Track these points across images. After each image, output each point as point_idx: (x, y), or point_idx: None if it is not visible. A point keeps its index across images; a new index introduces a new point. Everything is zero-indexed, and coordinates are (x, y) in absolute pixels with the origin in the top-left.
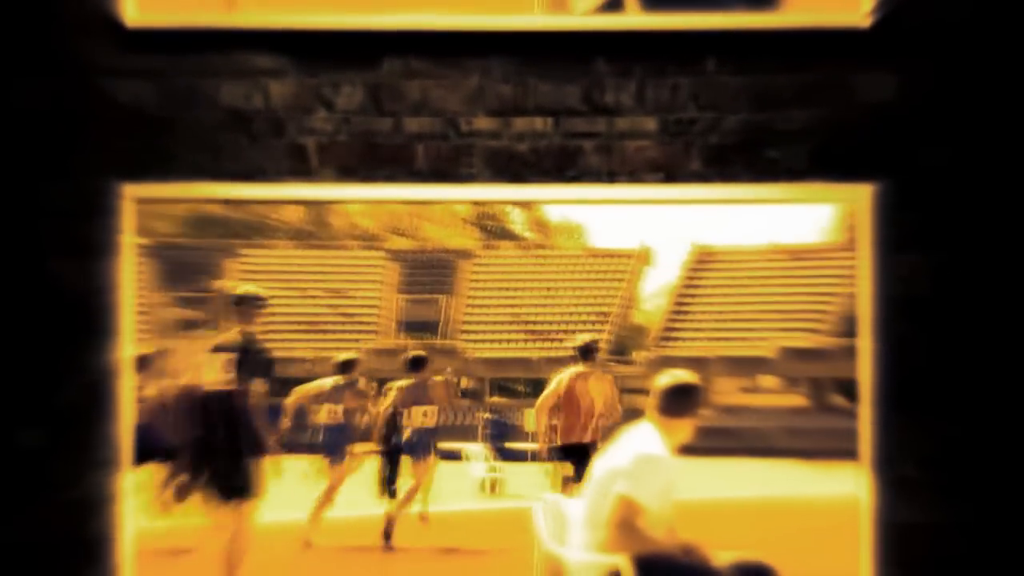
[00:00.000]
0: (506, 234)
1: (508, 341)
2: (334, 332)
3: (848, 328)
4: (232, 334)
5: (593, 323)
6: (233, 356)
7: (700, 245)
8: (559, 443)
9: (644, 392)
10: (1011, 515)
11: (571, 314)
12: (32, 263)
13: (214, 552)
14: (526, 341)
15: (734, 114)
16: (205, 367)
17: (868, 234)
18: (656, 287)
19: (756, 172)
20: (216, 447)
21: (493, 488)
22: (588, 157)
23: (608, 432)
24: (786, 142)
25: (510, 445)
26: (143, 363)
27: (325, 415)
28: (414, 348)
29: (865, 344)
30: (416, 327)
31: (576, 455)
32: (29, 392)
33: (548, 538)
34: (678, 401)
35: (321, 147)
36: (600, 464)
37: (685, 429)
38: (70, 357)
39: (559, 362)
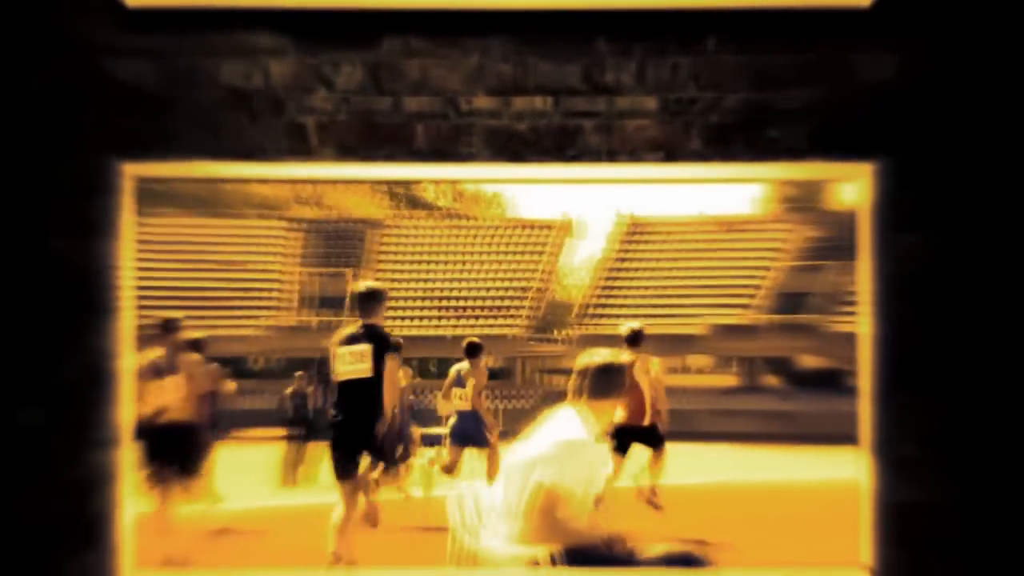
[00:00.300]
0: (419, 203)
1: (421, 319)
2: (229, 308)
3: (783, 304)
4: (356, 327)
5: (512, 299)
6: (367, 348)
7: (628, 216)
8: (621, 425)
9: (567, 372)
10: (1011, 494)
11: (489, 289)
12: (32, 243)
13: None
14: (440, 319)
15: (734, 93)
16: (336, 359)
17: (868, 213)
18: (581, 260)
19: (756, 151)
20: (349, 433)
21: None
22: (588, 136)
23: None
24: (786, 121)
25: (425, 431)
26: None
27: (457, 401)
28: (320, 324)
29: (864, 324)
30: (321, 303)
31: (638, 438)
32: (29, 372)
33: (462, 529)
34: (602, 382)
35: (321, 126)
36: (518, 451)
37: (610, 412)
38: (70, 337)
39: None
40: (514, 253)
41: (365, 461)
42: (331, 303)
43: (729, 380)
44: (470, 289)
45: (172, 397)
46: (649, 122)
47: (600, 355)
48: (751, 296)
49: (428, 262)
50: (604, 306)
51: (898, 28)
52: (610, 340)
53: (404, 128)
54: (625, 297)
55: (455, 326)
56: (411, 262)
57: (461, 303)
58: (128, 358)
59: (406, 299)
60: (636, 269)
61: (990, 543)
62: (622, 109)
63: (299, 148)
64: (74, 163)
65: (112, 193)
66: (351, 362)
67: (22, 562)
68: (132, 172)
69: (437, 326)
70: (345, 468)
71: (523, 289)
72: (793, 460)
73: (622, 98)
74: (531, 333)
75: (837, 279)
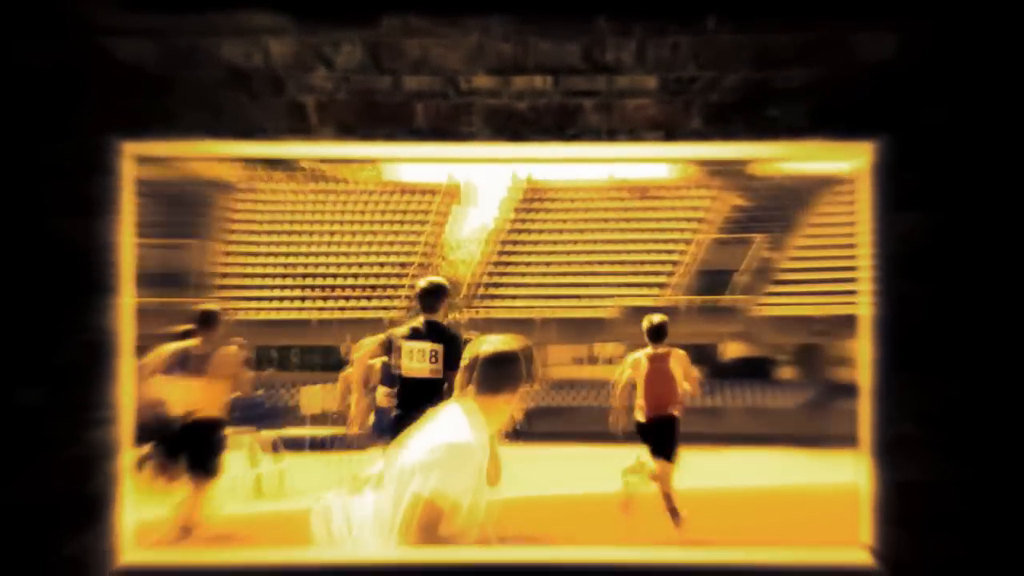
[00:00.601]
0: (278, 162)
1: (281, 299)
2: None
3: (705, 283)
4: (420, 322)
5: (389, 276)
6: (438, 349)
7: (525, 180)
8: (644, 420)
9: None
10: (1011, 473)
11: (361, 266)
12: (32, 222)
13: None
14: (303, 300)
15: (734, 72)
16: (404, 355)
17: (868, 192)
18: (471, 232)
19: (756, 130)
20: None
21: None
22: (588, 115)
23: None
24: (786, 100)
25: (286, 432)
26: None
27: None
28: (158, 305)
29: (864, 303)
30: (158, 280)
31: (658, 429)
32: (29, 351)
33: (329, 546)
34: (494, 375)
35: (320, 105)
36: (398, 456)
37: (504, 409)
38: (70, 316)
39: (342, 325)
40: (392, 223)
41: None
42: (169, 281)
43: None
44: (339, 266)
45: (200, 396)
46: (649, 101)
47: (491, 342)
48: (668, 274)
49: (290, 233)
50: (498, 285)
51: (898, 7)
52: (506, 325)
53: (404, 107)
54: (523, 275)
55: (321, 309)
56: (269, 232)
57: (328, 281)
58: (128, 337)
59: (263, 276)
60: (535, 242)
61: (990, 522)
62: (622, 88)
63: (299, 127)
64: (75, 143)
65: (112, 172)
66: (419, 360)
67: (22, 541)
68: (132, 151)
69: (300, 308)
70: None
71: (402, 265)
72: (720, 464)
73: (622, 77)
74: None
75: (766, 255)
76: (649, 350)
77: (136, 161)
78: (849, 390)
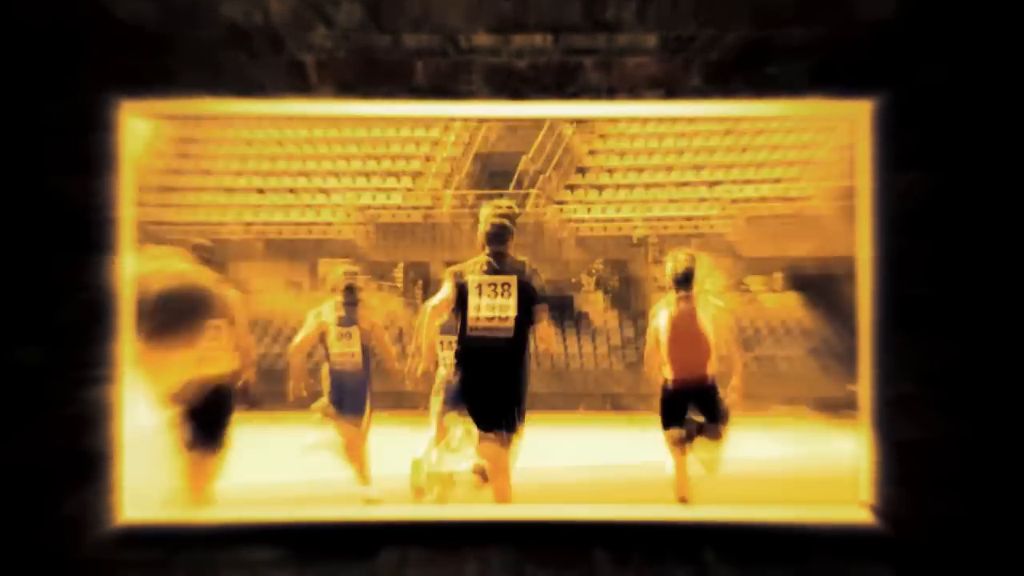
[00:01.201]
0: None
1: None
2: None
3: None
4: (483, 260)
5: None
6: (507, 284)
7: None
8: (672, 386)
9: None
10: (1010, 431)
11: None
12: (32, 180)
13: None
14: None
15: (734, 31)
16: (471, 301)
17: (867, 151)
18: None
19: (755, 88)
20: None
21: None
22: (588, 73)
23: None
24: (786, 59)
25: None
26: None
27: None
28: None
29: (864, 262)
30: None
31: (692, 398)
32: (28, 310)
33: None
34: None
35: (320, 63)
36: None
37: (170, 366)
38: (69, 274)
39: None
40: None
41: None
42: None
43: None
44: None
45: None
46: (649, 59)
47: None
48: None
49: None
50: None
51: None
52: None
53: (403, 65)
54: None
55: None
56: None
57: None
58: (127, 296)
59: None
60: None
61: (990, 481)
62: (622, 46)
63: (298, 85)
64: (74, 101)
65: (112, 130)
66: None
67: (22, 499)
68: (132, 109)
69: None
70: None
71: None
72: None
73: (622, 35)
74: None
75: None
76: (675, 299)
77: (135, 118)
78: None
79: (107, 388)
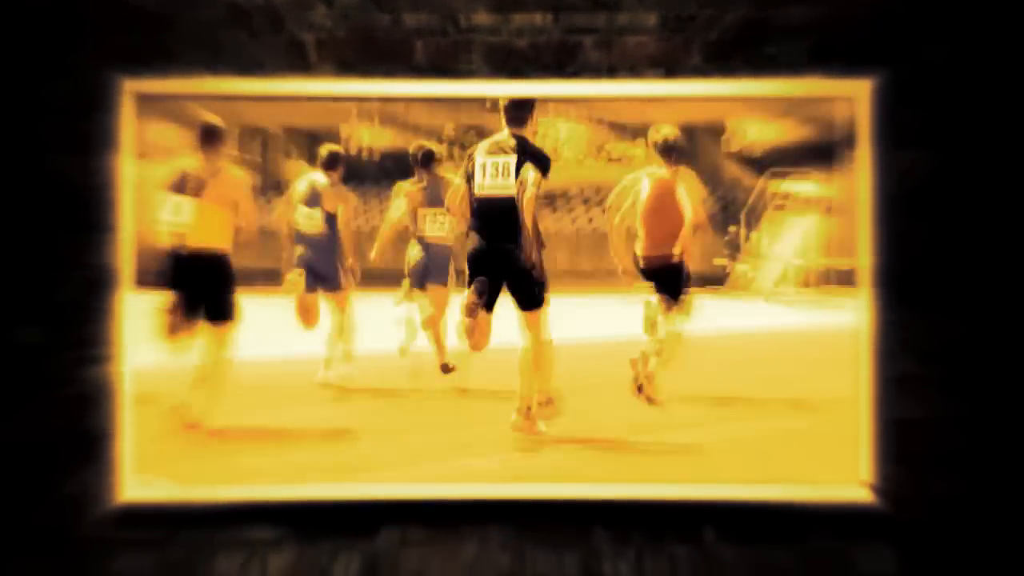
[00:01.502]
0: None
1: None
2: None
3: None
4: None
5: None
6: (509, 159)
7: None
8: (642, 264)
9: None
10: (1010, 410)
11: None
12: (32, 159)
13: None
14: None
15: (734, 10)
16: (478, 173)
17: (867, 130)
18: None
19: (755, 67)
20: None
21: None
22: (588, 52)
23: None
24: (785, 38)
25: None
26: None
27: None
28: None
29: (865, 240)
30: None
31: (662, 275)
32: (28, 289)
33: None
34: None
35: (320, 42)
36: None
37: None
38: (70, 254)
39: None
40: None
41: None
42: None
43: None
44: None
45: (197, 222)
46: (649, 38)
47: None
48: None
49: None
50: None
51: None
52: None
53: (403, 44)
54: None
55: None
56: None
57: None
58: (127, 275)
59: None
60: None
61: (990, 460)
62: (622, 25)
63: (298, 64)
64: (74, 81)
65: (112, 109)
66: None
67: (22, 478)
68: (132, 88)
69: None
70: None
71: None
72: None
73: (622, 14)
74: None
75: None
76: (656, 170)
77: (135, 98)
78: None
79: (107, 367)
